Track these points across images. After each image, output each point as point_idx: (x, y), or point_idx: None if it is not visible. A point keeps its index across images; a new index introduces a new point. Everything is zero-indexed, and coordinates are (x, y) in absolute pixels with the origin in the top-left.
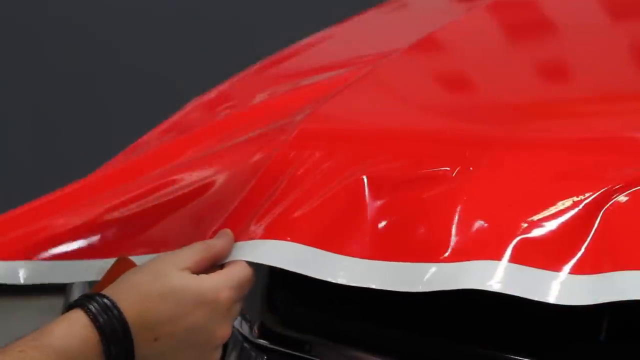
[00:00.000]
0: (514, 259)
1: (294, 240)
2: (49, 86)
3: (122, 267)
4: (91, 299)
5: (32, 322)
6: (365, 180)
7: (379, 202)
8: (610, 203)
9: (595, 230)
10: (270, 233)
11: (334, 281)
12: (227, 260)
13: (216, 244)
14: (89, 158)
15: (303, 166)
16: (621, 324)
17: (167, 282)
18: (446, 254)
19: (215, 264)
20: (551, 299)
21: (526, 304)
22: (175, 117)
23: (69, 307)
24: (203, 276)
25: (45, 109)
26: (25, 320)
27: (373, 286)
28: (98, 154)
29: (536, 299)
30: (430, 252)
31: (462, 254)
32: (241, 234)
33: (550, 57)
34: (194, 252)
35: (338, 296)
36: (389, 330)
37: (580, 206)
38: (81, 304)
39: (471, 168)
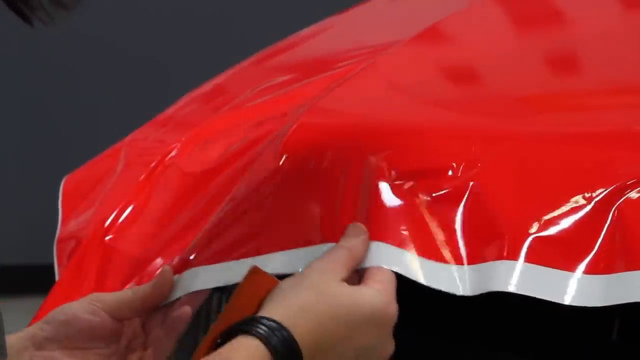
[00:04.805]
0: (529, 259)
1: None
2: (40, 80)
3: (260, 281)
4: (271, 330)
5: (20, 323)
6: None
7: (382, 203)
8: (623, 199)
9: (608, 227)
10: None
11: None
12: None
13: (357, 246)
14: (81, 152)
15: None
16: (632, 324)
17: (336, 303)
18: (462, 256)
19: (356, 268)
20: (566, 300)
21: (531, 304)
22: (170, 111)
23: (234, 332)
24: (367, 291)
25: (35, 103)
26: (15, 321)
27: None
28: (91, 150)
29: (552, 300)
30: (445, 254)
31: (478, 256)
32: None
33: (560, 49)
34: (343, 260)
35: None
36: None
37: (592, 202)
38: (257, 332)
39: (479, 164)
